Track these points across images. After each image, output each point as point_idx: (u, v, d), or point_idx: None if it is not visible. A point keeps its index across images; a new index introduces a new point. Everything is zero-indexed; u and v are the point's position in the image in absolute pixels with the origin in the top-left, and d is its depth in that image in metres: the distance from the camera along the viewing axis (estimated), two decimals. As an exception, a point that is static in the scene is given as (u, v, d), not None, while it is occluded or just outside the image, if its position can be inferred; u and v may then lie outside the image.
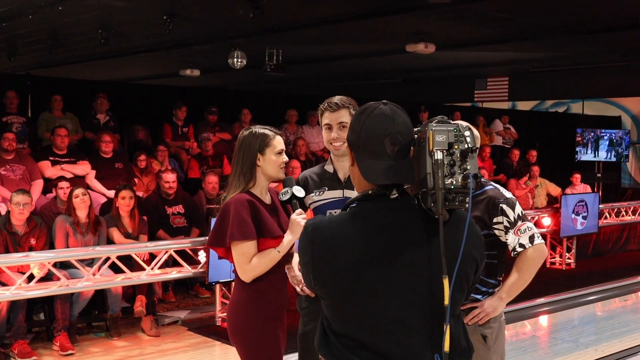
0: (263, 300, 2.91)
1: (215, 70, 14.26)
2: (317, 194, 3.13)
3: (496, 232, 2.87)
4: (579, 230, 9.27)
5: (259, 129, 2.99)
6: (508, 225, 2.84)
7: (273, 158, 2.95)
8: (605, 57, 13.19)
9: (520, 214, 2.85)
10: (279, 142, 2.98)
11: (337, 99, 3.07)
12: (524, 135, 13.34)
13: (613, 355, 5.59)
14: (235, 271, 2.98)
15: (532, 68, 14.91)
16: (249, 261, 2.85)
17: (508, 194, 2.91)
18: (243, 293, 2.93)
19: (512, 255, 2.91)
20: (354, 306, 1.82)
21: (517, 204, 2.89)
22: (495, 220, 2.85)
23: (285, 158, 3.01)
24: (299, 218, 2.87)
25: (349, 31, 10.74)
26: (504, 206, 2.84)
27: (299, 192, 2.94)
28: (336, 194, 3.10)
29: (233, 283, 6.12)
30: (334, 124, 3.03)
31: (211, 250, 5.81)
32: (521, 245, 2.83)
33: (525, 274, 2.86)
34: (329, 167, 3.17)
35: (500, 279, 2.99)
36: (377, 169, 1.83)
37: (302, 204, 3.02)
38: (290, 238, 2.87)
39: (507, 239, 2.86)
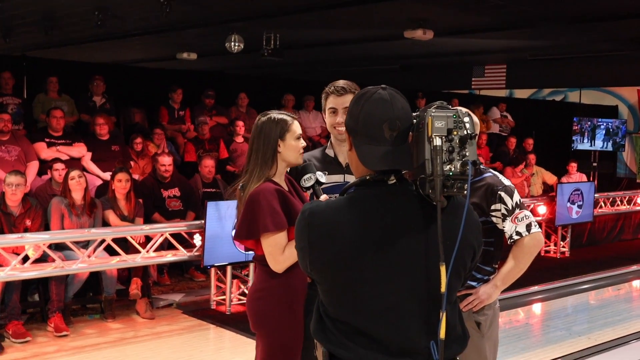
0: (290, 287, 2.86)
1: (213, 54, 14.17)
2: None
3: (494, 219, 2.87)
4: (574, 219, 9.30)
5: (276, 115, 2.92)
6: (506, 212, 2.83)
7: (293, 143, 2.89)
8: (603, 46, 13.16)
9: (518, 202, 2.85)
10: (297, 127, 2.93)
11: (342, 82, 3.04)
12: (521, 123, 13.33)
13: (606, 343, 5.62)
14: (257, 259, 2.93)
15: (530, 56, 14.87)
16: (282, 252, 2.78)
17: (507, 182, 2.90)
18: (271, 281, 2.86)
19: (508, 243, 2.90)
20: (350, 292, 1.82)
21: (516, 191, 2.88)
22: (493, 207, 2.85)
23: (303, 143, 2.95)
24: None
25: (347, 16, 10.68)
26: (502, 194, 2.84)
27: (322, 177, 2.90)
28: (337, 178, 3.08)
29: (231, 268, 6.16)
30: (340, 108, 3.00)
31: (206, 233, 5.83)
32: (518, 234, 2.83)
33: (521, 262, 2.86)
34: (329, 152, 3.15)
35: (496, 266, 2.99)
36: (375, 155, 1.83)
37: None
38: None
39: (504, 227, 2.85)
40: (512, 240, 2.86)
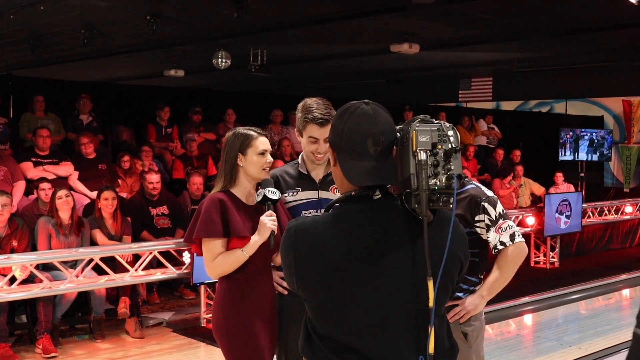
0: (244, 298, 2.94)
1: (200, 71, 14.20)
2: (291, 194, 3.10)
3: (478, 230, 2.89)
4: (562, 229, 9.32)
5: (242, 130, 3.03)
6: (489, 223, 2.86)
7: (254, 159, 2.97)
8: (588, 57, 13.28)
9: (502, 212, 2.87)
10: (261, 143, 2.99)
11: (322, 110, 2.94)
12: (508, 135, 13.41)
13: (596, 353, 5.62)
14: None
15: (515, 68, 14.98)
16: (213, 259, 2.92)
17: (489, 193, 2.93)
18: (223, 291, 2.98)
19: (493, 253, 2.93)
20: (337, 308, 1.80)
21: (499, 202, 2.91)
22: (477, 218, 2.87)
23: (269, 159, 3.00)
24: (267, 220, 2.89)
25: (333, 31, 10.74)
26: (486, 204, 2.86)
27: (273, 194, 2.92)
28: (311, 194, 3.08)
29: (213, 289, 6.12)
30: (321, 139, 2.95)
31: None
32: (502, 243, 2.86)
33: (506, 272, 2.89)
34: (302, 169, 3.13)
35: (482, 276, 3.01)
36: (359, 170, 1.82)
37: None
38: (256, 239, 2.90)
39: (488, 237, 2.88)
40: (496, 250, 2.89)
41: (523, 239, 2.91)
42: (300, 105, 3.04)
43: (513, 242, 2.86)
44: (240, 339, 2.92)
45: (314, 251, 1.81)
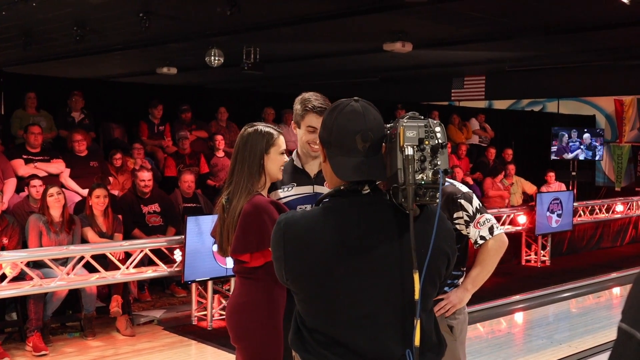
0: (272, 300, 2.85)
1: (193, 69, 14.18)
2: (286, 189, 3.08)
3: (457, 226, 2.92)
4: (553, 228, 9.36)
5: (263, 127, 2.92)
6: (468, 219, 2.90)
7: (277, 158, 2.90)
8: (581, 56, 13.33)
9: (478, 207, 2.91)
10: (282, 142, 2.94)
11: (321, 100, 2.97)
12: (500, 134, 13.44)
13: (586, 351, 5.64)
14: (239, 271, 2.89)
15: (508, 67, 15.03)
16: None
17: (464, 189, 2.96)
18: (253, 294, 2.85)
19: (474, 247, 2.97)
20: (325, 301, 1.82)
21: (474, 197, 2.94)
22: (455, 215, 2.91)
23: (286, 158, 2.96)
24: None
25: (326, 30, 10.74)
26: (462, 201, 2.90)
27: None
28: (306, 189, 3.06)
29: (212, 283, 6.12)
30: (319, 127, 2.97)
31: (187, 249, 5.79)
32: (482, 238, 2.90)
33: (488, 265, 2.93)
34: (297, 163, 3.12)
35: (464, 269, 3.05)
36: (348, 166, 1.84)
37: None
38: None
39: (468, 233, 2.91)
40: (477, 245, 2.92)
41: (502, 231, 2.96)
42: (298, 98, 3.03)
43: (492, 235, 2.90)
44: (272, 342, 2.83)
45: (303, 244, 1.83)
